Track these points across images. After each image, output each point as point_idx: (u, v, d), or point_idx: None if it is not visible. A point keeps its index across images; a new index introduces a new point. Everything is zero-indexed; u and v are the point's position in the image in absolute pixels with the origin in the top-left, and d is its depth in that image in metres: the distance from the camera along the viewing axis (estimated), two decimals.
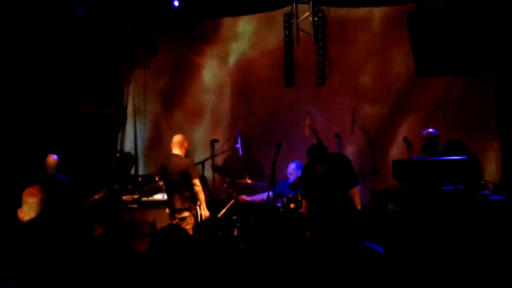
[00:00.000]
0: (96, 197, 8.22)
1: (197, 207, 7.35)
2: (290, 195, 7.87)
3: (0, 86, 8.62)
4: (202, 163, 8.39)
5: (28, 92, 8.90)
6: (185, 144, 7.59)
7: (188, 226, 7.20)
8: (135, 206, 8.45)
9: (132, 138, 10.06)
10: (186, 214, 7.29)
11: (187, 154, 7.67)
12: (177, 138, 7.62)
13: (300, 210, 7.06)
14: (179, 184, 7.34)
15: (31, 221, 6.29)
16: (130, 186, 8.82)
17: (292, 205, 7.74)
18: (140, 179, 8.90)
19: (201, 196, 7.32)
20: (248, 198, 8.43)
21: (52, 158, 8.24)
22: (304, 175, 6.96)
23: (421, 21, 8.42)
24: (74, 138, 9.17)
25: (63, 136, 9.04)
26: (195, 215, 7.32)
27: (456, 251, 6.23)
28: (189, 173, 7.32)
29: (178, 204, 7.32)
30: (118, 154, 8.45)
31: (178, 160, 7.42)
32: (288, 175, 8.24)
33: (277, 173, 7.68)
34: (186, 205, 7.32)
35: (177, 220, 7.28)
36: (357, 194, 6.74)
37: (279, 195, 7.97)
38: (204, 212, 7.32)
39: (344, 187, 6.67)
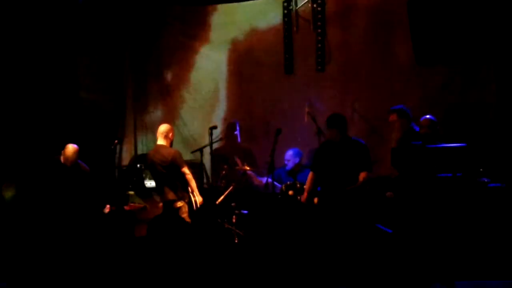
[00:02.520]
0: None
1: (190, 194, 7.27)
2: (288, 182, 7.86)
3: None
4: (201, 150, 8.36)
5: (25, 79, 8.87)
6: (170, 135, 7.38)
7: (184, 215, 7.16)
8: (132, 192, 8.46)
9: (131, 125, 10.05)
10: (180, 204, 7.23)
11: (172, 144, 7.45)
12: (161, 128, 7.42)
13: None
14: (167, 175, 7.21)
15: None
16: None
17: (290, 192, 7.73)
18: (139, 166, 8.87)
19: (193, 183, 7.23)
20: (253, 174, 8.41)
21: (72, 147, 7.70)
22: (320, 148, 7.03)
23: (421, 8, 8.37)
24: (71, 124, 9.13)
25: (61, 122, 9.01)
26: (189, 203, 7.25)
27: (454, 238, 6.25)
28: (176, 163, 7.19)
29: (170, 196, 7.22)
30: (116, 141, 8.38)
31: (164, 151, 7.26)
32: (286, 162, 8.23)
33: (276, 160, 7.67)
34: (179, 195, 7.24)
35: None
36: (361, 177, 6.75)
37: (277, 182, 7.97)
38: (198, 198, 7.24)
39: (356, 169, 6.73)
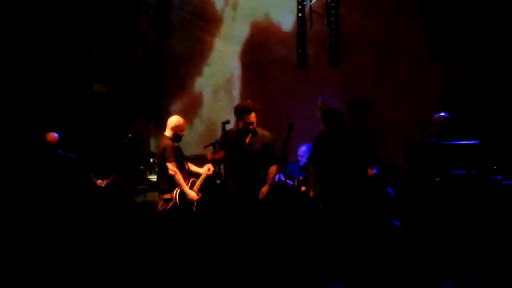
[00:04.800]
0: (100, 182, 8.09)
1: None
2: (301, 178, 7.86)
3: (11, 62, 8.64)
4: (213, 144, 8.37)
5: (39, 72, 8.91)
6: (174, 126, 7.12)
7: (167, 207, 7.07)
8: (147, 187, 8.49)
9: (144, 119, 10.09)
10: (168, 196, 7.09)
11: (179, 136, 7.15)
12: (170, 119, 7.27)
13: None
14: (161, 165, 7.13)
15: None
16: (141, 167, 8.85)
17: (303, 188, 7.73)
18: (152, 160, 8.90)
19: (178, 179, 6.99)
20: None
21: (52, 135, 7.91)
22: (318, 141, 6.81)
23: (435, 4, 8.35)
24: (85, 118, 9.17)
25: (74, 115, 9.05)
26: (180, 196, 7.03)
27: (467, 236, 6.24)
28: (164, 156, 7.01)
29: (161, 185, 7.16)
30: (130, 135, 8.40)
31: (161, 142, 7.21)
32: (299, 158, 8.22)
33: (288, 156, 7.65)
34: (168, 186, 7.06)
35: (161, 202, 7.18)
36: (370, 173, 6.62)
37: (289, 177, 7.97)
38: (188, 195, 7.02)
39: (361, 163, 6.61)
